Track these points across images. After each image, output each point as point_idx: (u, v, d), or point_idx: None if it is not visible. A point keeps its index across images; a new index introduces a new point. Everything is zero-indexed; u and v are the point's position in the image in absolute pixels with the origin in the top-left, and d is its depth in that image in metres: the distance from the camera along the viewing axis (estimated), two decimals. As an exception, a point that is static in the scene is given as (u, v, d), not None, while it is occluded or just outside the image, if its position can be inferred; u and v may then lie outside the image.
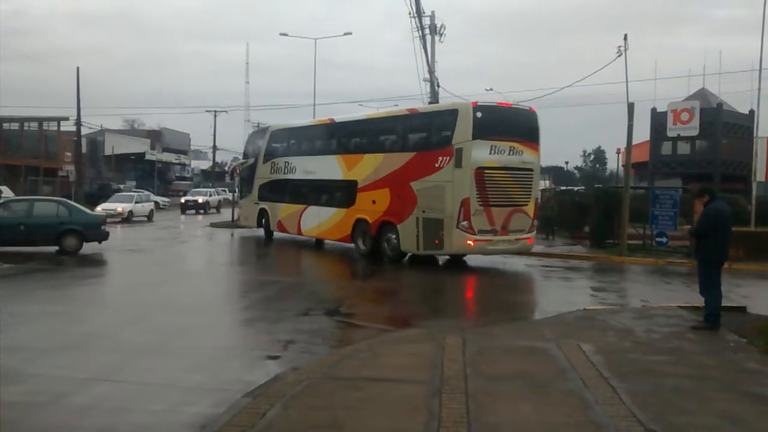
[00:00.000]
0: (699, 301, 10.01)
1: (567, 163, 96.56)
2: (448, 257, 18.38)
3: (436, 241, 16.57)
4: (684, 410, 5.90)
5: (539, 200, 20.02)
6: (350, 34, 67.88)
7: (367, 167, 19.02)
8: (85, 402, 6.14)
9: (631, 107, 21.61)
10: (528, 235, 17.26)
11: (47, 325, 9.56)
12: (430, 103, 31.97)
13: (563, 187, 44.87)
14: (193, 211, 44.39)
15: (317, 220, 21.21)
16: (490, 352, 7.86)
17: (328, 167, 20.76)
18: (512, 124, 16.83)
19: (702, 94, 47.37)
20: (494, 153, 16.32)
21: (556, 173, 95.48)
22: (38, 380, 6.77)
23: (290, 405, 5.78)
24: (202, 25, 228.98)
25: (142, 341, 8.67)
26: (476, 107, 16.19)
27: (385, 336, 8.87)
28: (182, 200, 46.52)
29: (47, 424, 5.63)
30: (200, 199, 45.61)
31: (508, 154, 16.54)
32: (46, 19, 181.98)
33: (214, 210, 45.89)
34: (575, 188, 38.21)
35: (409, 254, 18.05)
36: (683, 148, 45.62)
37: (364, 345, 8.21)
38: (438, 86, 33.25)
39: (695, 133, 43.70)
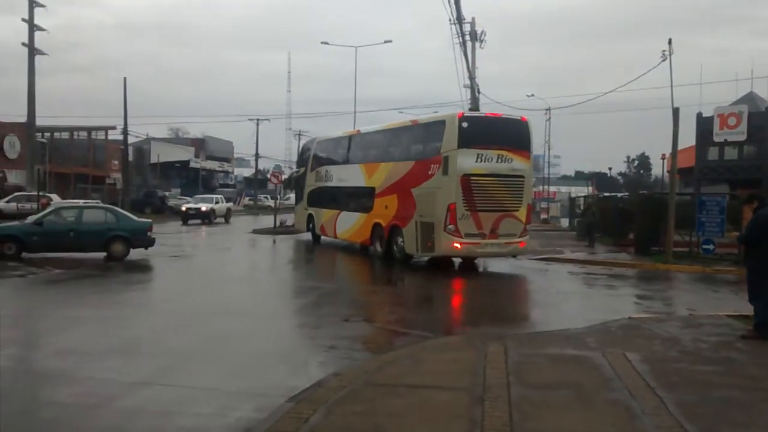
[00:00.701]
0: (748, 309, 9.76)
1: (610, 169, 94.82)
2: (461, 260, 19.30)
3: (429, 244, 17.61)
4: (734, 422, 5.76)
5: (548, 206, 22.70)
6: (390, 41, 68.03)
7: (381, 175, 20.43)
8: (134, 405, 6.28)
9: (676, 112, 21.21)
10: (520, 239, 17.83)
11: (97, 329, 9.80)
12: (470, 109, 31.99)
13: (606, 194, 44.15)
14: (198, 221, 39.52)
15: (348, 224, 22.77)
16: (532, 360, 7.79)
17: (354, 175, 22.39)
18: (501, 134, 17.49)
19: (750, 98, 46.25)
20: (481, 161, 17.11)
21: (599, 179, 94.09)
22: (89, 383, 6.96)
23: (332, 411, 5.82)
24: (246, 35, 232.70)
25: (187, 346, 8.83)
26: (462, 118, 17.20)
27: (426, 343, 8.85)
28: (183, 208, 40.98)
29: (97, 425, 5.77)
30: (203, 207, 40.11)
31: (497, 162, 17.27)
32: (95, 32, 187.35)
33: (221, 219, 41.72)
34: (619, 195, 37.57)
35: (418, 257, 19.12)
36: (730, 154, 44.54)
37: (405, 352, 8.21)
38: (479, 92, 33.20)
39: (743, 137, 42.67)
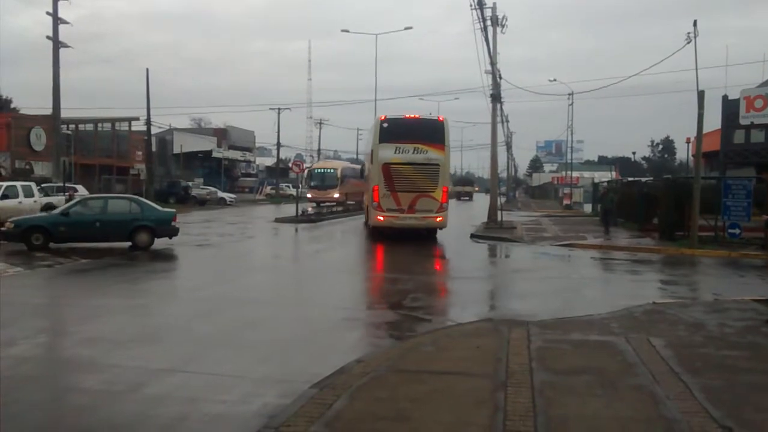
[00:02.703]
0: (776, 294, 9.65)
1: (634, 153, 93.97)
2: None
3: (366, 217, 24.12)
4: (761, 407, 5.72)
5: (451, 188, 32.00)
6: (411, 28, 67.87)
7: (365, 166, 26.59)
8: (159, 391, 6.36)
9: (701, 95, 20.92)
10: (435, 215, 22.01)
11: (123, 317, 9.93)
12: (491, 94, 31.94)
13: (630, 178, 43.69)
14: None
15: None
16: (555, 345, 7.78)
17: (364, 167, 28.78)
18: (417, 131, 21.99)
19: (778, 80, 45.35)
20: (399, 153, 21.75)
21: (622, 164, 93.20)
22: (116, 370, 7.06)
23: (356, 396, 5.86)
24: (267, 23, 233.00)
25: (211, 333, 8.92)
26: (383, 120, 22.29)
27: (449, 329, 8.87)
28: None
29: (125, 411, 5.86)
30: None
31: (413, 153, 21.70)
32: (119, 22, 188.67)
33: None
34: (643, 179, 37.16)
35: (370, 226, 23.61)
36: (757, 137, 43.69)
37: (428, 338, 8.24)
38: (500, 78, 32.91)
39: (770, 120, 41.86)
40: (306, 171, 44.29)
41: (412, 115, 22.99)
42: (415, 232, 22.50)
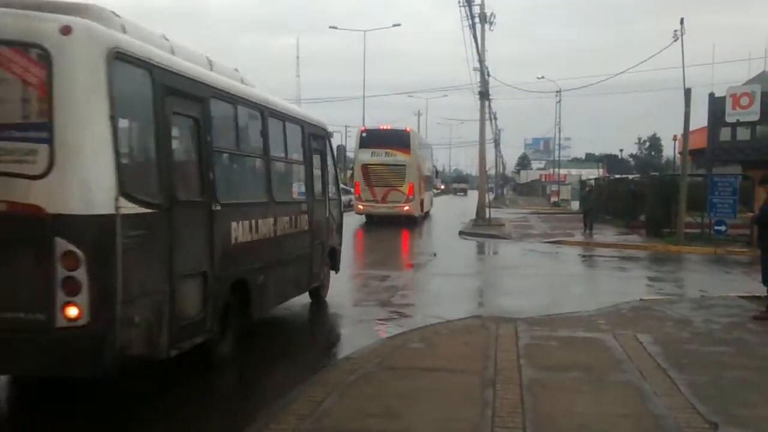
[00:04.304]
0: (761, 290, 9.75)
1: (621, 150, 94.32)
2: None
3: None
4: (747, 402, 5.77)
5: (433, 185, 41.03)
6: (399, 25, 67.20)
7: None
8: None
9: (687, 93, 21.05)
10: (403, 204, 27.88)
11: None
12: (479, 91, 32.10)
13: (617, 176, 43.90)
14: None
15: None
16: (543, 342, 7.81)
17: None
18: (389, 139, 28.26)
19: (763, 78, 45.66)
20: (374, 156, 28.03)
21: (610, 161, 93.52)
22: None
23: (345, 394, 5.86)
24: (254, 19, 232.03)
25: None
26: (363, 131, 28.66)
27: (438, 326, 8.88)
28: None
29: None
30: None
31: (384, 156, 27.93)
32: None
33: None
34: (630, 176, 37.32)
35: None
36: (743, 134, 43.99)
37: (417, 335, 8.25)
38: (488, 75, 33.02)
39: (755, 118, 42.05)
40: None
41: (386, 126, 30.18)
42: (394, 219, 27.58)
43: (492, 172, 73.02)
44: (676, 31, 23.87)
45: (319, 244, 9.96)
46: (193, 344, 6.02)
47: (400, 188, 27.76)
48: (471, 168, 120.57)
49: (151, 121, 5.63)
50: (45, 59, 4.78)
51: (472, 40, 31.27)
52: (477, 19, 30.86)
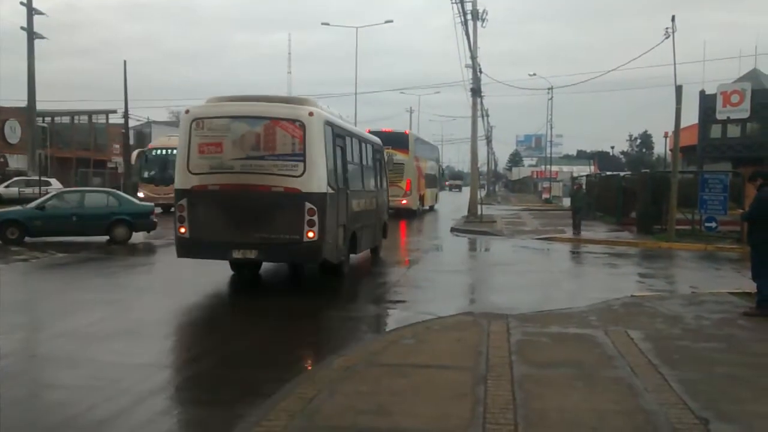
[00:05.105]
0: (751, 287, 9.78)
1: (613, 147, 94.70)
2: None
3: None
4: (737, 398, 5.79)
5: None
6: (391, 21, 67.29)
7: None
8: (140, 387, 6.28)
9: (679, 90, 21.10)
10: (401, 198, 30.18)
11: (102, 312, 9.81)
12: (471, 88, 32.17)
13: (608, 172, 43.99)
14: None
15: None
16: (535, 338, 7.82)
17: None
18: (389, 140, 26.83)
19: (753, 75, 45.87)
20: None
21: (601, 158, 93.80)
22: (95, 365, 6.99)
23: (337, 391, 5.84)
24: (246, 15, 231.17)
25: (192, 329, 8.85)
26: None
27: (430, 323, 8.87)
28: None
29: (104, 407, 5.78)
30: None
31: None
32: (96, 13, 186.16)
33: None
34: (621, 173, 37.39)
35: None
36: (733, 131, 44.25)
37: (409, 331, 8.23)
38: (481, 72, 33.01)
39: (746, 115, 42.36)
40: (137, 153, 32.49)
41: (387, 129, 32.34)
42: (395, 211, 28.40)
43: (484, 168, 73.30)
44: (667, 28, 23.95)
45: (379, 218, 16.11)
46: (339, 260, 11.97)
47: (398, 184, 29.71)
48: (462, 165, 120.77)
49: (332, 150, 11.48)
50: (301, 126, 10.64)
51: (464, 36, 31.27)
52: (469, 16, 30.85)
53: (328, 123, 11.30)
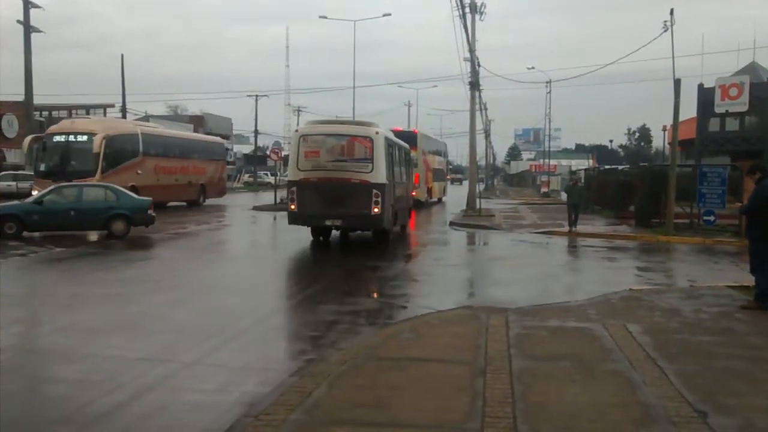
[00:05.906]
0: (749, 280, 9.79)
1: (611, 141, 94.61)
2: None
3: None
4: (735, 391, 5.80)
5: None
6: (389, 14, 67.46)
7: None
8: (139, 381, 6.29)
9: (677, 83, 21.09)
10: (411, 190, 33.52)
11: (101, 306, 9.81)
12: (470, 82, 32.09)
13: (607, 166, 43.99)
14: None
15: None
16: (533, 332, 7.83)
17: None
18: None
19: (752, 68, 45.81)
20: None
21: (599, 152, 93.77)
22: (94, 360, 6.99)
23: (336, 384, 5.85)
24: (245, 8, 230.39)
25: (190, 322, 8.86)
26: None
27: (428, 316, 8.88)
28: None
29: (103, 401, 5.78)
30: None
31: None
32: (93, 6, 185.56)
33: None
34: (619, 167, 37.38)
35: None
36: (732, 125, 44.23)
37: (408, 325, 8.24)
38: (479, 65, 32.97)
39: (744, 108, 42.34)
40: (30, 140, 27.18)
41: (398, 128, 32.42)
42: None
43: (482, 162, 73.30)
44: (665, 21, 23.88)
45: (408, 203, 22.01)
46: (390, 229, 17.79)
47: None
48: (460, 158, 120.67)
49: (387, 155, 17.07)
50: (370, 141, 16.50)
51: (463, 30, 31.26)
52: (467, 9, 30.81)
53: (386, 138, 17.17)
